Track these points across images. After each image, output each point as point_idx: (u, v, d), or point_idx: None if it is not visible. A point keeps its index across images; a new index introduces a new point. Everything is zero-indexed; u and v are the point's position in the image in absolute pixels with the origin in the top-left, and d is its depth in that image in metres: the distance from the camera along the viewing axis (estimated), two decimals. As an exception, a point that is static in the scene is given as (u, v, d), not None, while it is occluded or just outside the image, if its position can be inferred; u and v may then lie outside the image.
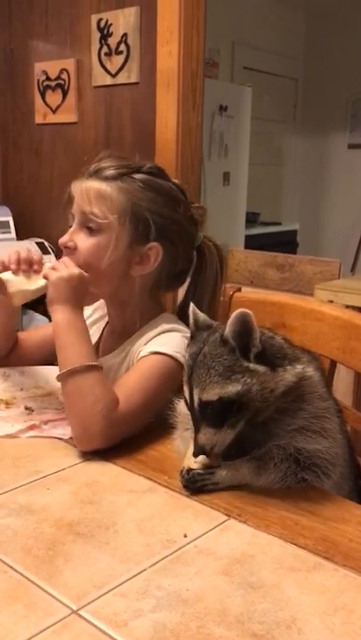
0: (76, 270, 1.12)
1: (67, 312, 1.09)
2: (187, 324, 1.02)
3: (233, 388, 0.85)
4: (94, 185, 1.14)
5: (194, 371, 0.88)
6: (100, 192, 1.13)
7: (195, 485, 0.89)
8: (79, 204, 1.15)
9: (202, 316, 0.94)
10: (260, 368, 0.86)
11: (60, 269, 1.12)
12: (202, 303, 1.16)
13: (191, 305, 0.95)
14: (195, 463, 0.90)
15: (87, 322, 1.31)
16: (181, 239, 1.19)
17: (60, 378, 1.05)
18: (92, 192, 1.13)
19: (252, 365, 0.86)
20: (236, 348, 0.86)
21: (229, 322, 0.86)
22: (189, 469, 0.90)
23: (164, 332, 1.15)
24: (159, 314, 1.22)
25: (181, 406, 0.99)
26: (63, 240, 1.17)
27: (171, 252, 1.18)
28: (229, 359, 0.86)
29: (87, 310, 1.32)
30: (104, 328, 1.31)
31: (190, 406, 0.89)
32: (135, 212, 1.13)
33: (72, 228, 1.17)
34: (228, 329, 0.86)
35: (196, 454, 0.89)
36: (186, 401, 0.90)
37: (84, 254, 1.15)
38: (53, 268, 1.13)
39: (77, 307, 1.11)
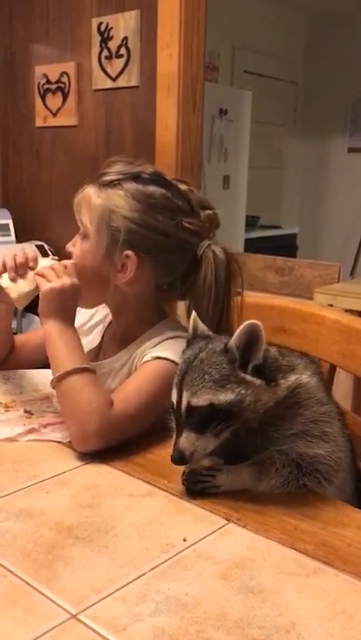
0: (67, 280, 1.12)
1: (58, 323, 1.10)
2: None
3: (225, 397, 0.84)
4: (89, 193, 1.15)
5: (187, 374, 0.87)
6: (90, 200, 1.15)
7: (196, 486, 0.89)
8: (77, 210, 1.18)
9: (202, 325, 0.94)
10: (257, 381, 0.86)
11: (51, 278, 1.12)
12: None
13: (193, 313, 0.96)
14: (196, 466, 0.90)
15: (86, 326, 1.32)
16: (166, 249, 1.14)
17: (53, 383, 1.07)
18: (85, 200, 1.16)
19: (248, 377, 0.85)
20: (238, 358, 0.85)
21: (238, 332, 0.85)
22: (191, 470, 0.90)
23: (168, 339, 1.15)
24: (162, 320, 1.22)
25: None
26: (67, 245, 1.20)
27: (155, 262, 1.15)
28: (228, 368, 0.85)
29: (85, 315, 1.32)
30: (105, 332, 1.31)
31: (177, 409, 0.88)
32: (112, 220, 1.13)
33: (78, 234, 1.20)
34: (235, 339, 0.86)
35: (173, 459, 0.87)
36: (173, 404, 0.89)
37: (75, 260, 1.18)
38: (42, 275, 1.13)
39: (69, 317, 1.12)
